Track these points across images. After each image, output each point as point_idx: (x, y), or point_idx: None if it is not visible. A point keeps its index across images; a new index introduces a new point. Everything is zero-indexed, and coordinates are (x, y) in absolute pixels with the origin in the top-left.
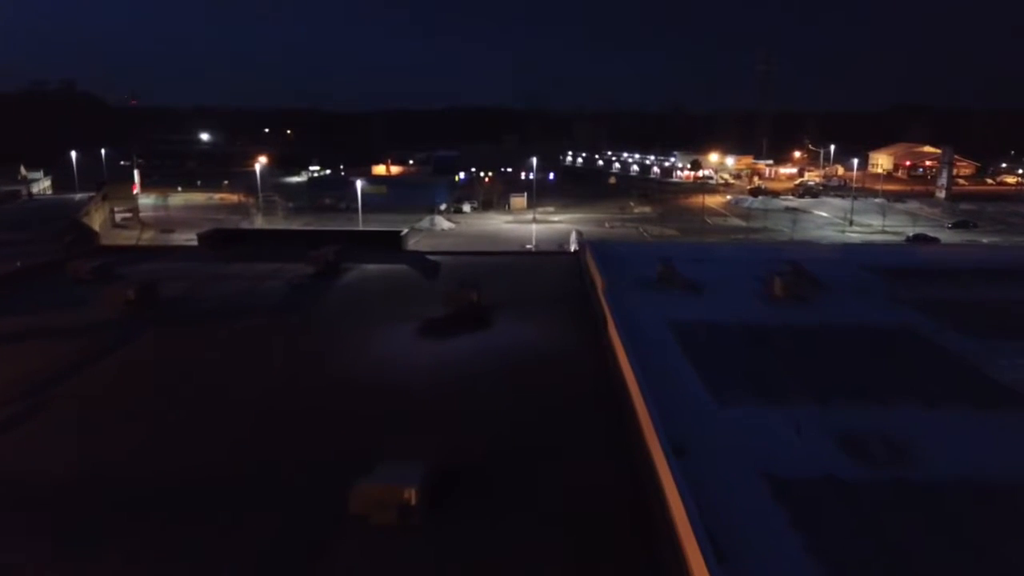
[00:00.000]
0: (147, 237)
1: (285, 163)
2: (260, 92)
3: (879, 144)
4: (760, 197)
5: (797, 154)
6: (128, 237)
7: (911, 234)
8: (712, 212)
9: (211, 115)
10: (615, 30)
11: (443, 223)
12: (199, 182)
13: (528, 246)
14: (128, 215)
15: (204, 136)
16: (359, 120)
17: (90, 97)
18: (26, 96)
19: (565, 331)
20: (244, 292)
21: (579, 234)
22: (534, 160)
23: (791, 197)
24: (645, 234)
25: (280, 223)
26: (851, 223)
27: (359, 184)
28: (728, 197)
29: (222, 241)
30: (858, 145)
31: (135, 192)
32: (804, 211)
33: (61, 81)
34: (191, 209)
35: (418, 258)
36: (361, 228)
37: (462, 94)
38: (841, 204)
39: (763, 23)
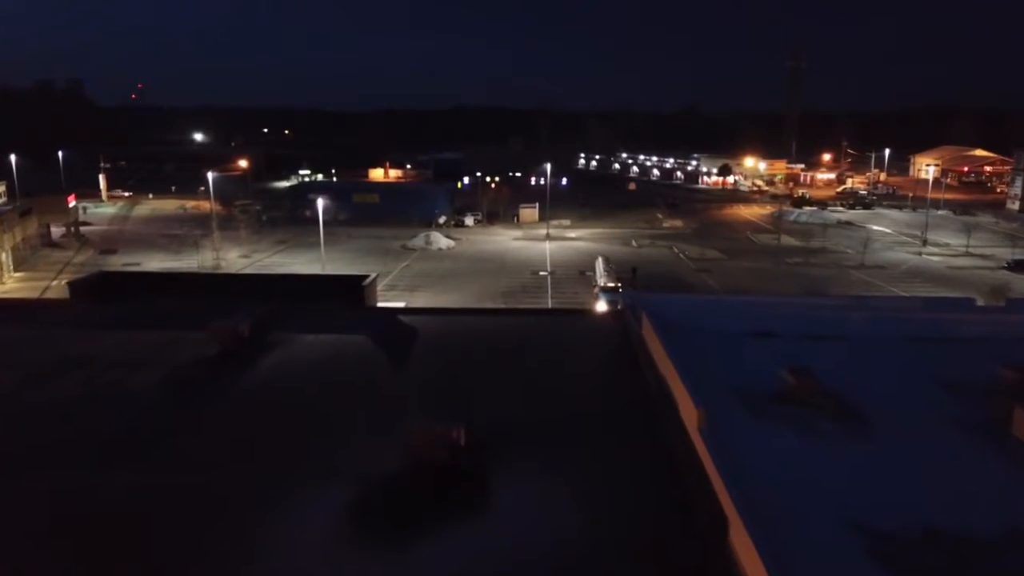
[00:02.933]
0: (80, 260)
1: (274, 166)
2: (261, 91)
3: (917, 147)
4: (805, 208)
5: (826, 157)
6: (58, 260)
7: (1010, 260)
8: (755, 227)
9: (209, 114)
10: (621, 28)
11: (440, 241)
12: (173, 188)
13: (542, 272)
14: (65, 231)
15: (198, 136)
16: (360, 120)
17: (75, 97)
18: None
19: (632, 517)
20: (87, 399)
21: (606, 261)
22: (548, 166)
23: (840, 208)
24: (683, 256)
25: (244, 241)
26: (925, 242)
27: (319, 202)
28: (767, 208)
29: (105, 292)
30: (909, 150)
31: (72, 204)
32: (859, 225)
33: (69, 81)
34: (154, 221)
35: (384, 322)
36: (315, 271)
37: (466, 93)
38: (900, 217)
39: (769, 22)
